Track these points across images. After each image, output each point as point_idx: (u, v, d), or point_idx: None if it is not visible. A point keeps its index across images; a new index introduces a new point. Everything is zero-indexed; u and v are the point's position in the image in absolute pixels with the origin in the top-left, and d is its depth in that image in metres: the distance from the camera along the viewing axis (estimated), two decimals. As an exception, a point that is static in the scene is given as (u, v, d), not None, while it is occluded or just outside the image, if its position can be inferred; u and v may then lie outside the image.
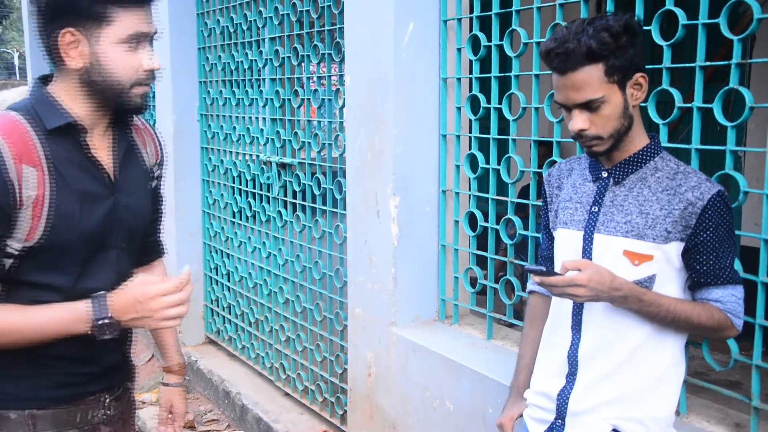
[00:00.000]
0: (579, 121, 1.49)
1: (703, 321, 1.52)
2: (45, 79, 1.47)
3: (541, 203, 1.82)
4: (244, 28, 3.76)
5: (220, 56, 4.05)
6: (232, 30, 3.89)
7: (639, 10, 1.95)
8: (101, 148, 1.48)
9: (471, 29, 2.53)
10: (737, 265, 1.64)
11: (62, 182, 1.39)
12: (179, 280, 1.39)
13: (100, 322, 1.37)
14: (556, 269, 1.67)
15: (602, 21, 1.44)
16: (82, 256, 1.45)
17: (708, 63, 1.85)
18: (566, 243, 1.63)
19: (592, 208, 1.59)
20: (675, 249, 1.51)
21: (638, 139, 1.56)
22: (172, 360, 1.81)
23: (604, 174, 1.60)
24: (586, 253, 1.58)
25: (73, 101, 1.42)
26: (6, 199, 1.32)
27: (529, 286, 1.86)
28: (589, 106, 1.47)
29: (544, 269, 1.46)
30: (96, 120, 1.46)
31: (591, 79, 1.45)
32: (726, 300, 1.53)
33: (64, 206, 1.39)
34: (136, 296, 1.37)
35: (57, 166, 1.38)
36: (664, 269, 1.53)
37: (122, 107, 1.45)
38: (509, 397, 1.84)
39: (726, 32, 1.80)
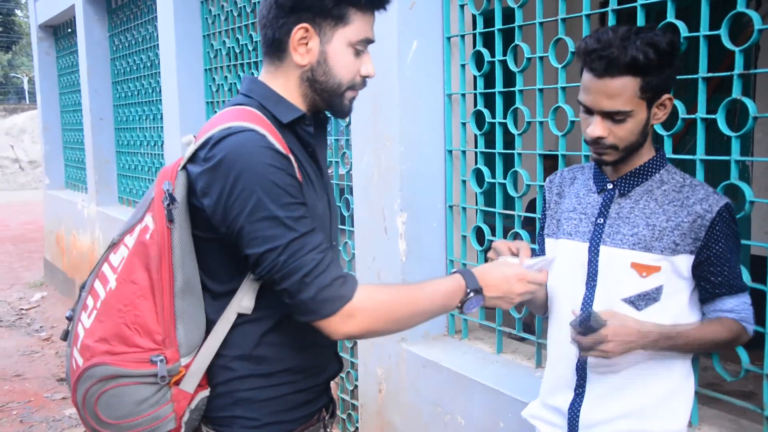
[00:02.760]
0: (599, 128, 1.47)
1: (725, 337, 1.52)
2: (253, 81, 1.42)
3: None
4: (250, 48, 3.80)
5: (226, 77, 4.10)
6: (237, 51, 3.93)
7: (640, 23, 1.97)
8: None
9: (474, 45, 2.55)
10: (744, 274, 1.64)
11: (303, 172, 1.35)
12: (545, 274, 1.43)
13: (472, 293, 1.36)
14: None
15: (650, 34, 1.42)
16: None
17: (710, 74, 1.85)
18: (571, 254, 1.63)
19: (598, 220, 1.59)
20: (684, 261, 1.51)
21: (645, 152, 1.55)
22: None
23: (609, 186, 1.59)
24: (592, 265, 1.58)
25: (291, 98, 1.38)
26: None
27: None
28: (613, 117, 1.46)
29: (588, 323, 1.42)
30: None
31: (626, 90, 1.43)
32: (739, 309, 1.54)
33: (308, 196, 1.34)
34: (507, 275, 1.39)
35: (297, 156, 1.35)
36: (672, 280, 1.52)
37: (333, 109, 1.42)
38: None
39: (727, 43, 1.81)
